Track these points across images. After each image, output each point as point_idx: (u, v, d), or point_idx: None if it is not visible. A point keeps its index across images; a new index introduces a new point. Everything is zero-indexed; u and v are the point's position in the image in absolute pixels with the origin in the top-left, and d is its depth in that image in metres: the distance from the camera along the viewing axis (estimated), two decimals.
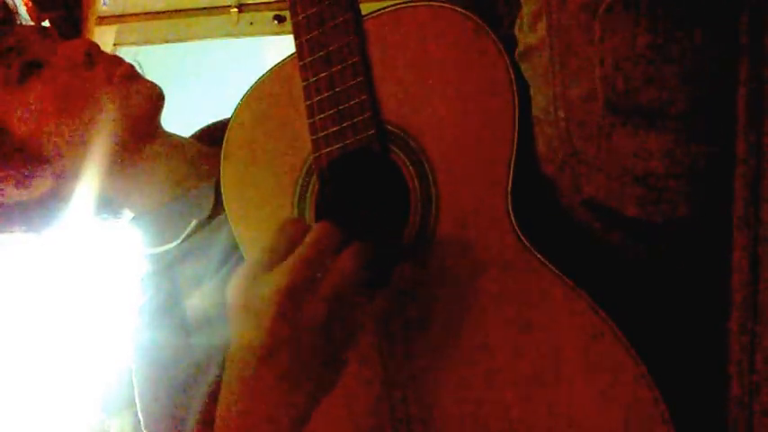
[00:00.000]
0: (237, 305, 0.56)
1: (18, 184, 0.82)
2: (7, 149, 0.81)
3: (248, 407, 0.56)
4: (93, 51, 0.83)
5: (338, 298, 0.55)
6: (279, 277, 0.54)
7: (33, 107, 0.81)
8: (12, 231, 0.87)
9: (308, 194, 0.66)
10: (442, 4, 0.58)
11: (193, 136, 0.96)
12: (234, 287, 0.57)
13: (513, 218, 0.54)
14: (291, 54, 0.65)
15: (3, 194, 0.83)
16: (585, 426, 0.51)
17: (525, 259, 0.54)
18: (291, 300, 0.54)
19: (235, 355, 0.57)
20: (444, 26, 0.57)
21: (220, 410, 0.59)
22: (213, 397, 0.69)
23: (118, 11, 1.80)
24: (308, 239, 0.56)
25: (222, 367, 0.70)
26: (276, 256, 0.56)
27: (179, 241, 0.83)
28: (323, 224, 0.57)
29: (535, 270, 0.53)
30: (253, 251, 0.69)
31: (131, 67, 0.84)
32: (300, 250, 0.55)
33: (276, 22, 1.66)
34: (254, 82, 0.70)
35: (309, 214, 0.66)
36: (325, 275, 0.55)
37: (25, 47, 0.82)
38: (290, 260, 0.55)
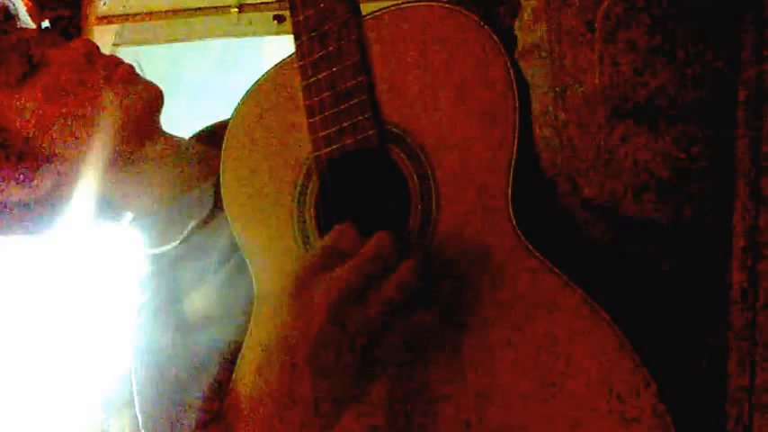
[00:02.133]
0: (289, 300, 0.57)
1: (18, 184, 0.82)
2: (7, 149, 0.81)
3: (279, 401, 0.57)
4: (93, 52, 0.83)
5: (391, 306, 0.55)
6: (336, 280, 0.55)
7: (33, 108, 0.81)
8: (13, 234, 0.87)
9: (308, 194, 0.65)
10: (443, 4, 0.58)
11: (193, 137, 0.96)
12: (289, 282, 0.57)
13: (513, 218, 0.54)
14: (291, 54, 0.65)
15: (3, 194, 0.83)
16: (585, 425, 0.51)
17: (525, 259, 0.54)
18: (344, 304, 0.54)
19: (275, 346, 0.57)
20: (444, 26, 0.57)
21: (246, 389, 0.59)
22: (212, 396, 0.69)
23: (118, 11, 1.80)
24: (368, 246, 0.56)
25: (222, 367, 0.70)
26: (335, 259, 0.56)
27: (179, 242, 0.83)
28: (383, 234, 0.57)
29: (535, 270, 0.53)
30: (261, 248, 0.69)
31: (131, 67, 0.84)
32: (358, 258, 0.55)
33: (276, 21, 1.66)
34: (253, 82, 0.70)
35: (309, 214, 0.66)
36: (380, 285, 0.55)
37: (25, 47, 0.82)
38: (349, 265, 0.55)
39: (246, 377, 0.59)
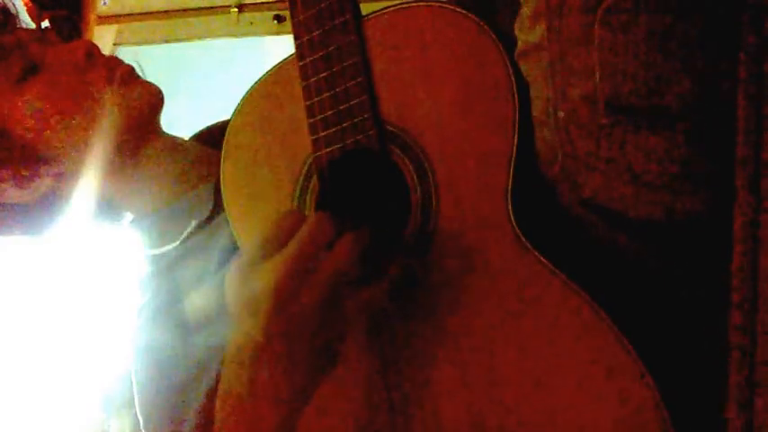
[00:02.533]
0: (233, 297, 0.57)
1: (18, 185, 0.83)
2: (7, 150, 0.81)
3: (245, 393, 0.57)
4: (93, 52, 0.83)
5: (332, 287, 0.55)
6: (273, 268, 0.54)
7: (33, 108, 0.81)
8: (12, 234, 0.87)
9: (308, 195, 0.66)
10: (442, 5, 0.58)
11: (194, 137, 0.96)
12: (229, 279, 0.57)
13: (512, 218, 0.54)
14: (291, 55, 0.65)
15: (2, 195, 0.83)
16: (584, 424, 0.51)
17: (525, 259, 0.54)
18: (286, 290, 0.54)
19: (233, 344, 0.58)
20: (444, 26, 0.57)
21: (220, 396, 0.60)
22: (213, 397, 0.69)
23: (118, 11, 1.80)
24: (302, 230, 0.56)
25: (221, 366, 0.70)
26: (271, 248, 0.56)
27: (179, 242, 0.83)
28: (318, 215, 0.57)
29: (534, 270, 0.53)
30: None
31: (131, 68, 0.84)
32: (295, 241, 0.55)
33: (276, 21, 1.66)
34: (254, 83, 0.70)
35: (309, 214, 0.66)
36: (319, 266, 0.55)
37: (25, 48, 0.82)
38: (285, 251, 0.55)
39: (223, 380, 0.60)
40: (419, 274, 0.59)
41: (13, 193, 0.83)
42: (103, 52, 0.86)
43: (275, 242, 0.56)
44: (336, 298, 0.56)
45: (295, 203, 0.66)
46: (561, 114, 0.54)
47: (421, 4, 0.58)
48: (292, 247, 0.55)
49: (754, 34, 0.44)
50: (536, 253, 0.53)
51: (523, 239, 0.54)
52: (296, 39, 0.64)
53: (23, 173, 0.82)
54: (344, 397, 0.63)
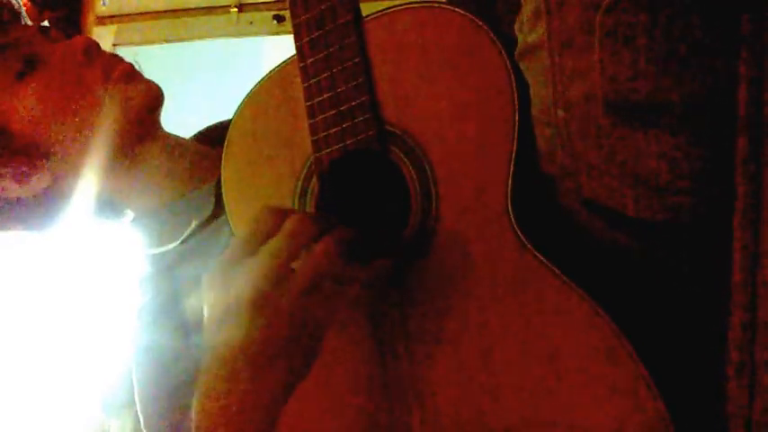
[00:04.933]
0: (212, 298, 0.56)
1: (16, 181, 0.83)
2: (6, 146, 0.81)
3: (223, 393, 0.55)
4: (93, 49, 0.83)
5: (311, 289, 0.54)
6: (251, 269, 0.53)
7: (32, 104, 0.81)
8: (11, 229, 0.87)
9: (309, 195, 0.66)
10: (442, 5, 0.58)
11: (194, 137, 0.96)
12: (208, 279, 0.56)
13: (513, 218, 0.54)
14: (292, 56, 0.65)
15: (2, 191, 0.83)
16: (584, 423, 0.51)
17: (525, 259, 0.54)
18: (264, 291, 0.53)
19: (210, 344, 0.56)
20: (444, 27, 0.57)
21: (198, 397, 0.58)
22: None
23: (117, 11, 1.80)
24: (282, 230, 0.55)
25: None
26: (250, 247, 0.55)
27: (179, 242, 0.83)
28: (299, 213, 0.56)
29: (534, 270, 0.53)
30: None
31: (130, 65, 0.84)
32: (274, 241, 0.54)
33: (276, 21, 1.66)
34: (255, 84, 0.70)
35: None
36: (299, 266, 0.54)
37: (25, 44, 0.82)
38: (263, 250, 0.54)
39: (199, 381, 0.59)
40: (419, 273, 0.59)
41: (12, 189, 0.83)
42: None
43: (255, 241, 0.55)
44: (318, 299, 0.54)
45: (295, 204, 0.66)
46: (561, 114, 0.54)
47: (421, 4, 0.59)
48: (272, 245, 0.54)
49: (755, 33, 0.44)
50: (536, 252, 0.53)
51: (523, 239, 0.54)
52: (296, 39, 0.64)
53: (22, 168, 0.82)
54: (344, 398, 0.63)
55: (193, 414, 0.57)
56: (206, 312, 0.57)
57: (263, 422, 0.56)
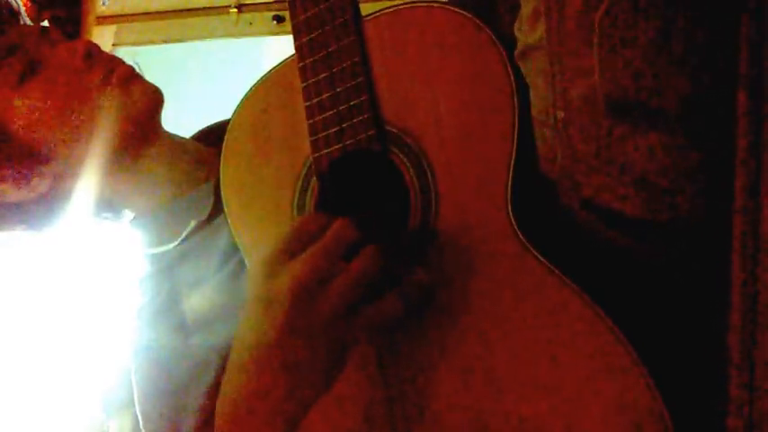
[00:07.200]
0: (253, 293, 0.57)
1: (16, 184, 0.83)
2: (6, 149, 0.81)
3: (254, 392, 0.57)
4: (93, 52, 0.83)
5: (354, 294, 0.55)
6: (297, 269, 0.55)
7: (32, 107, 0.81)
8: (11, 229, 0.87)
9: (308, 195, 0.66)
10: (442, 5, 0.58)
11: (193, 137, 0.96)
12: (252, 276, 0.57)
13: (512, 218, 0.54)
14: (291, 56, 0.65)
15: (2, 194, 0.83)
16: (585, 425, 0.51)
17: (524, 259, 0.54)
18: (307, 292, 0.54)
19: (245, 341, 0.57)
20: (444, 27, 0.57)
21: (223, 393, 0.59)
22: (212, 397, 0.69)
23: (117, 11, 1.80)
24: (328, 234, 0.56)
25: (222, 369, 0.70)
26: (295, 248, 0.56)
27: (178, 242, 0.83)
28: (344, 221, 0.57)
29: (534, 270, 0.53)
30: (261, 247, 0.69)
31: (131, 68, 0.84)
32: (320, 244, 0.56)
33: (275, 22, 1.66)
34: (254, 83, 0.70)
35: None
36: (341, 271, 0.55)
37: (26, 46, 0.82)
38: (309, 252, 0.55)
39: (228, 376, 0.59)
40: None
41: (12, 192, 0.83)
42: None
43: (299, 242, 0.57)
44: (353, 306, 0.56)
45: (295, 204, 0.66)
46: (561, 114, 0.54)
47: (421, 4, 0.58)
48: (317, 248, 0.56)
49: (754, 33, 0.44)
50: (536, 253, 0.53)
51: (523, 239, 0.54)
52: (296, 39, 0.64)
53: (22, 171, 0.82)
54: (344, 401, 0.63)
55: (218, 414, 0.58)
56: (243, 311, 0.58)
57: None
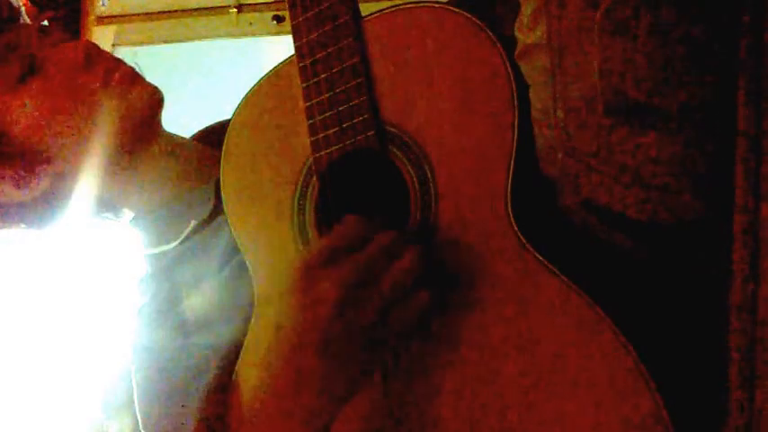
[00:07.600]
0: (293, 294, 0.58)
1: (16, 185, 0.83)
2: (6, 150, 0.81)
3: (289, 392, 0.58)
4: (93, 53, 0.83)
5: (394, 299, 0.56)
6: (341, 273, 0.56)
7: (32, 108, 0.81)
8: (10, 228, 0.87)
9: (308, 195, 0.66)
10: (442, 6, 0.58)
11: (194, 137, 0.96)
12: (293, 275, 0.58)
13: (512, 218, 0.54)
14: (291, 56, 0.65)
15: (1, 195, 0.83)
16: (585, 426, 0.51)
17: (524, 259, 0.54)
18: (350, 296, 0.55)
19: (283, 341, 0.58)
20: (443, 27, 0.57)
21: (248, 387, 0.60)
22: (212, 397, 0.69)
23: (117, 11, 1.80)
24: (373, 244, 0.57)
25: (222, 369, 0.70)
26: (338, 252, 0.57)
27: (178, 242, 0.83)
28: (390, 233, 0.58)
29: (534, 270, 0.53)
30: (261, 247, 0.69)
31: (131, 69, 0.84)
32: (365, 252, 0.57)
33: (275, 22, 1.66)
34: (253, 84, 0.70)
35: (309, 215, 0.66)
36: (382, 277, 0.56)
37: (26, 47, 0.82)
38: (354, 258, 0.56)
39: (251, 376, 0.60)
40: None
41: (11, 193, 0.83)
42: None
43: (343, 246, 0.58)
44: (396, 308, 0.56)
45: (295, 204, 0.66)
46: (561, 114, 0.54)
47: (421, 4, 0.58)
48: (362, 254, 0.57)
49: (754, 34, 0.44)
50: (536, 253, 0.53)
51: (523, 240, 0.54)
52: (295, 40, 0.64)
53: (22, 172, 0.82)
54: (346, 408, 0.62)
55: (247, 412, 0.58)
56: (281, 314, 0.59)
57: None
